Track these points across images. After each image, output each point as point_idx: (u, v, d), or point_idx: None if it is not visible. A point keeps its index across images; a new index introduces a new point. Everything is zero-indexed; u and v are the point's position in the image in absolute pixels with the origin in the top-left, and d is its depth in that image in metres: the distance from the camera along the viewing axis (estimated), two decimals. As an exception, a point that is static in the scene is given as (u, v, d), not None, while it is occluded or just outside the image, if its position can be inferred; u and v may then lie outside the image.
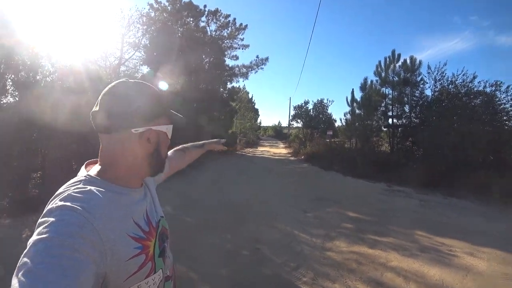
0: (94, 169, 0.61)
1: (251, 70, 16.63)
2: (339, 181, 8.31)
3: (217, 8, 13.97)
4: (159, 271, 0.63)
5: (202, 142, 1.28)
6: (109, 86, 0.61)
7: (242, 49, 15.68)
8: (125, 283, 0.53)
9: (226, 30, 14.79)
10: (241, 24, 14.83)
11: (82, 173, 0.60)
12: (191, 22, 13.43)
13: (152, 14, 12.12)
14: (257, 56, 16.32)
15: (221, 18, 14.33)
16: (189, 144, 1.22)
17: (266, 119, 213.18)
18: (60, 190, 0.54)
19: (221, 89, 16.27)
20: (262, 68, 16.65)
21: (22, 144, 4.57)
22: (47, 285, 0.38)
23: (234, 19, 14.59)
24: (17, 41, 4.94)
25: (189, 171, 7.72)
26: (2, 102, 4.86)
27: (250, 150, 19.35)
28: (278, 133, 47.50)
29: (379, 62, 11.67)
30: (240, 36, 15.18)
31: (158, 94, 0.66)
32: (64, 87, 5.32)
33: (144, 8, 11.87)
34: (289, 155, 16.17)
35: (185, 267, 2.73)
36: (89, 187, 0.53)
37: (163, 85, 9.11)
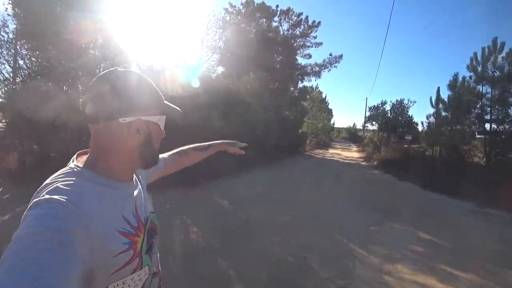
0: (84, 161, 0.59)
1: (324, 69, 16.10)
2: (414, 193, 7.29)
3: (289, 7, 13.95)
4: (146, 268, 0.62)
5: (208, 143, 1.19)
6: (99, 75, 0.60)
7: (315, 47, 15.29)
8: (110, 278, 0.52)
9: (298, 28, 14.65)
10: (313, 22, 14.45)
11: (70, 163, 0.59)
12: (264, 23, 13.77)
13: (228, 18, 12.91)
14: (330, 54, 15.69)
15: (293, 16, 14.25)
16: (191, 146, 1.16)
17: (341, 120, 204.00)
18: (47, 181, 0.53)
19: (292, 88, 16.23)
20: (335, 66, 15.94)
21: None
22: (30, 281, 0.37)
23: (307, 17, 14.32)
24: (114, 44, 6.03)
25: (246, 170, 7.98)
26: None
27: (320, 152, 18.73)
28: (352, 136, 45.24)
29: (475, 54, 9.71)
30: (312, 34, 14.83)
31: (149, 84, 0.63)
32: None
33: (220, 13, 12.75)
34: (361, 159, 15.01)
35: (227, 263, 2.83)
36: (77, 180, 0.52)
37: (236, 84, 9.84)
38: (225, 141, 1.21)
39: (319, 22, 14.38)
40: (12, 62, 5.72)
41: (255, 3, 13.21)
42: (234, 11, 13.16)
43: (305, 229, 4.01)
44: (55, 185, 0.50)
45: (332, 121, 39.96)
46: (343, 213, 5.03)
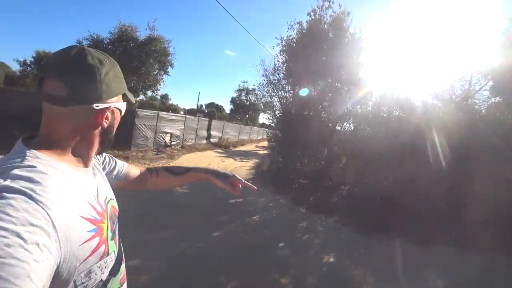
0: (37, 144, 0.53)
1: None
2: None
3: None
4: (112, 254, 0.60)
5: (188, 167, 1.05)
6: (66, 49, 0.55)
7: None
8: (78, 268, 0.49)
9: None
10: None
11: (20, 148, 0.52)
12: None
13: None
14: None
15: None
16: (170, 166, 1.08)
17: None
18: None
19: None
20: None
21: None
22: None
23: None
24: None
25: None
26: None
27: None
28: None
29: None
30: None
31: (119, 69, 0.62)
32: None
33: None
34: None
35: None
36: (35, 165, 0.48)
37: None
38: (214, 170, 1.04)
39: None
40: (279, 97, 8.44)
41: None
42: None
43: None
44: (10, 172, 0.44)
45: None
46: None
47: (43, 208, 0.43)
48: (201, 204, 4.92)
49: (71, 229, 0.47)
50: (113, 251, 0.62)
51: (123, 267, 0.69)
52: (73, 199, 0.51)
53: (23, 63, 25.78)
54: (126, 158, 7.50)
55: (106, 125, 0.60)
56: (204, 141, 14.20)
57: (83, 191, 0.56)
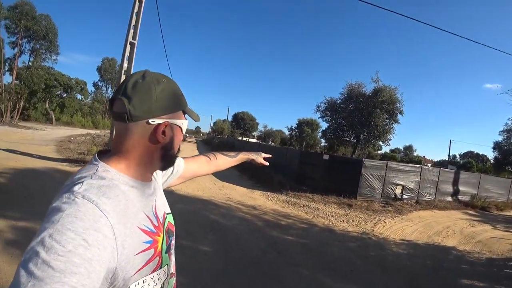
0: (108, 159, 0.60)
1: None
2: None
3: None
4: (165, 267, 0.63)
5: (237, 152, 1.23)
6: (132, 74, 0.62)
7: None
8: (132, 277, 0.52)
9: None
10: None
11: (94, 160, 0.59)
12: None
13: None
14: None
15: None
16: (220, 152, 1.17)
17: None
18: (74, 178, 0.54)
19: None
20: None
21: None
22: (54, 280, 0.38)
23: None
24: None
25: None
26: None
27: None
28: None
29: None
30: None
31: (177, 88, 0.65)
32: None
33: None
34: None
35: None
36: (103, 178, 0.54)
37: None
38: (251, 152, 1.28)
39: None
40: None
41: None
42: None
43: None
44: (81, 183, 0.51)
45: None
46: None
47: (106, 216, 0.47)
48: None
49: (129, 238, 0.51)
50: (166, 264, 0.64)
51: (173, 281, 0.70)
52: (133, 210, 0.55)
53: (290, 129, 37.54)
54: (349, 206, 7.54)
55: (164, 141, 0.62)
56: (449, 198, 11.14)
57: (143, 203, 0.60)
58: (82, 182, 0.51)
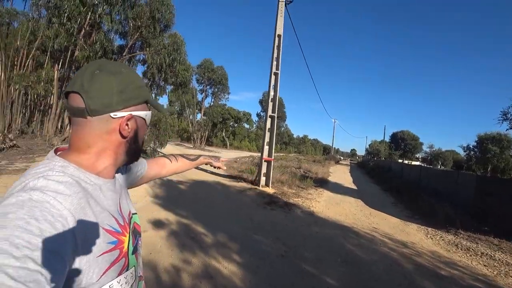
0: (66, 155, 0.56)
1: None
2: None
3: None
4: (132, 269, 0.60)
5: (198, 155, 1.20)
6: (87, 65, 0.57)
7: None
8: (97, 282, 0.49)
9: None
10: None
11: (51, 155, 0.56)
12: None
13: None
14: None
15: None
16: (180, 155, 1.13)
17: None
18: (29, 174, 0.49)
19: None
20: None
21: None
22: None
23: None
24: None
25: None
26: None
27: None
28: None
29: None
30: None
31: (138, 79, 0.61)
32: None
33: None
34: None
35: None
36: (61, 174, 0.50)
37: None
38: (210, 156, 1.24)
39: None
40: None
41: None
42: None
43: None
44: (37, 179, 0.47)
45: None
46: None
47: (64, 215, 0.44)
48: None
49: (90, 238, 0.48)
50: (134, 266, 0.61)
51: (142, 284, 0.67)
52: (95, 209, 0.52)
53: (467, 148, 28.63)
54: None
55: (128, 134, 0.58)
56: None
57: (106, 202, 0.56)
58: (38, 178, 0.48)
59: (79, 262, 0.46)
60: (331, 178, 14.75)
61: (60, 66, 11.14)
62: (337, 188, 11.15)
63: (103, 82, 0.55)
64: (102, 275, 0.50)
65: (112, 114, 0.56)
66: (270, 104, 8.07)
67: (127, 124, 0.58)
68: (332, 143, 47.02)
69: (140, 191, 6.16)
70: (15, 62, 11.17)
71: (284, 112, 50.81)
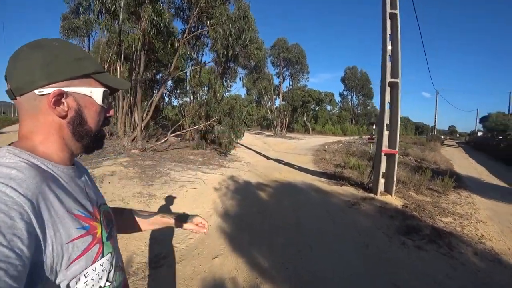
0: (16, 144, 0.52)
1: None
2: None
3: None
4: (108, 255, 0.57)
5: (153, 212, 0.92)
6: (17, 50, 0.52)
7: None
8: (69, 271, 0.47)
9: None
10: None
11: (5, 146, 0.51)
12: None
13: None
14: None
15: None
16: (132, 209, 0.90)
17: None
18: None
19: None
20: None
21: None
22: None
23: None
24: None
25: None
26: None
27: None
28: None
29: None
30: None
31: (74, 51, 0.54)
32: None
33: None
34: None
35: None
36: (12, 160, 0.47)
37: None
38: (174, 214, 0.93)
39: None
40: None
41: None
42: None
43: None
44: None
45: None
46: None
47: (19, 203, 0.41)
48: None
49: (55, 225, 0.46)
50: (110, 252, 0.58)
51: (122, 276, 0.63)
52: (57, 193, 0.49)
53: None
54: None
55: (64, 114, 0.53)
56: None
57: (71, 187, 0.53)
58: None
59: (45, 251, 0.43)
60: (457, 169, 10.13)
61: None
62: (484, 188, 6.96)
63: (26, 58, 0.51)
64: (72, 262, 0.48)
65: (37, 91, 0.51)
66: (388, 64, 5.03)
67: (61, 102, 0.52)
68: (435, 121, 36.49)
69: (206, 203, 4.41)
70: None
71: (370, 88, 43.68)
